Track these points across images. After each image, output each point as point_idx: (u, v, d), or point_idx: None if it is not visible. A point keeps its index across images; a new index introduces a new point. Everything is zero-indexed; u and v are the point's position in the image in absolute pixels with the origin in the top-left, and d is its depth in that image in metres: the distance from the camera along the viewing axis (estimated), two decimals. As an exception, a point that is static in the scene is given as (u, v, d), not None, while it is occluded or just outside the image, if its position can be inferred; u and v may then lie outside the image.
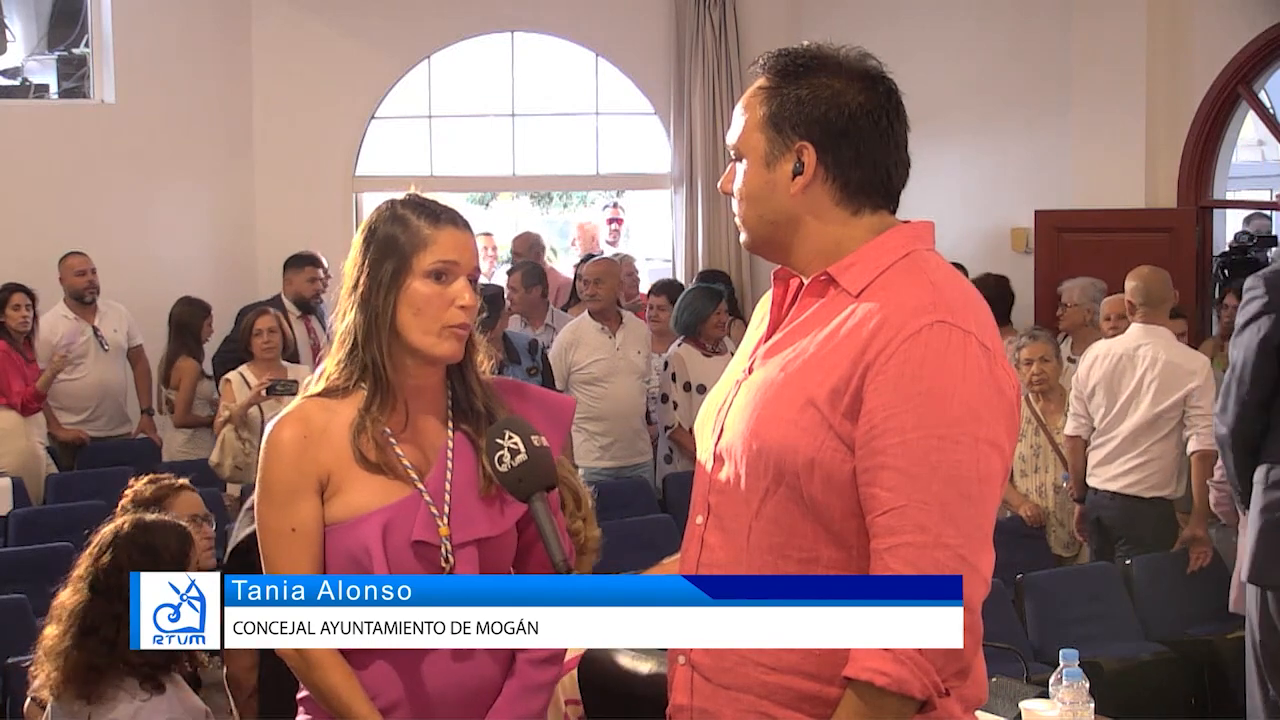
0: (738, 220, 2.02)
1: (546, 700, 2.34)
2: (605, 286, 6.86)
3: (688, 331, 6.75)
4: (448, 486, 2.22)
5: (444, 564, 2.19)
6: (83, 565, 2.98)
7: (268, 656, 2.90)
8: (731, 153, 2.01)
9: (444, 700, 2.22)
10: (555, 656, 2.34)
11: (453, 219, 2.23)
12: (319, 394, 2.25)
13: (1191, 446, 5.48)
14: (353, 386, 2.22)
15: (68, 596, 2.97)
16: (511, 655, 2.31)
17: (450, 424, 2.27)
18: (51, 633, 2.96)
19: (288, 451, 2.20)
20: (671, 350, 6.81)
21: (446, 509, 2.20)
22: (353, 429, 2.19)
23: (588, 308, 6.96)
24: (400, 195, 2.28)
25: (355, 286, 2.21)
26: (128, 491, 3.48)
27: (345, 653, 2.19)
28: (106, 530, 3.02)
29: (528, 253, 8.70)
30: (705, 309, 6.70)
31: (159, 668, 2.92)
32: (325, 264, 7.82)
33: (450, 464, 2.24)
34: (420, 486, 2.20)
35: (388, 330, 2.19)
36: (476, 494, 2.22)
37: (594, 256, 8.32)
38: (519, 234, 9.28)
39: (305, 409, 2.23)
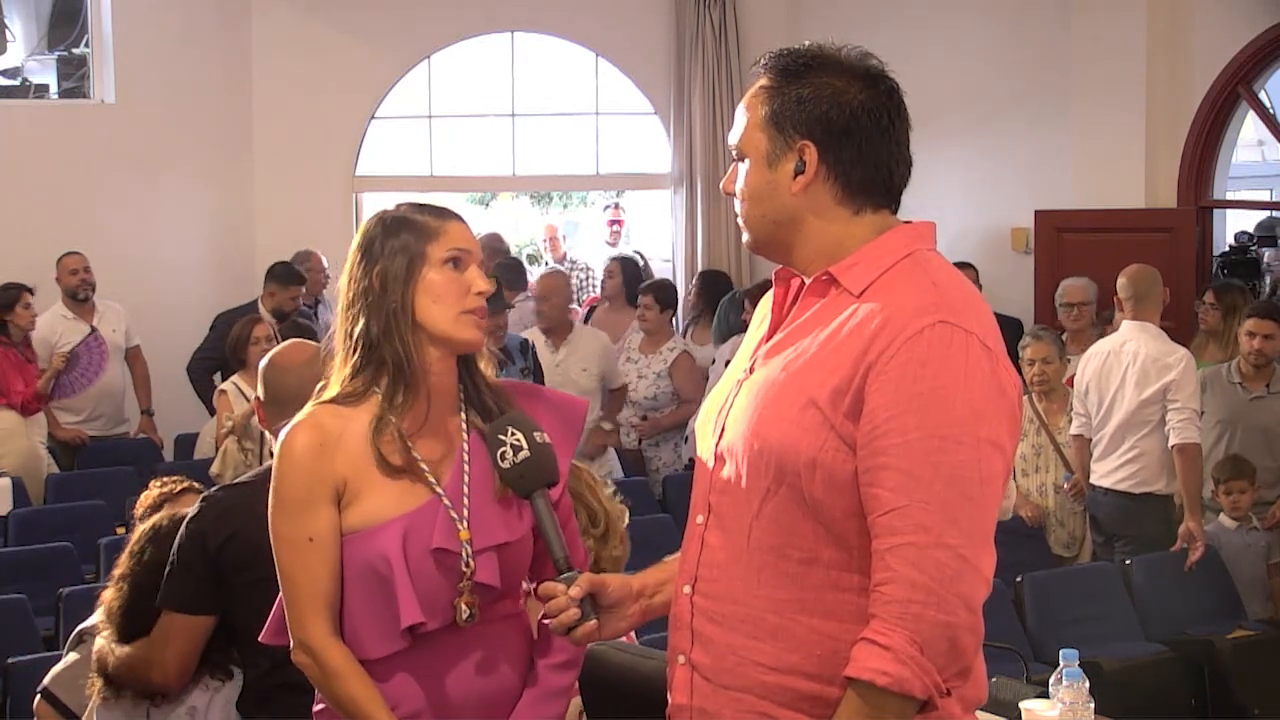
0: (740, 221, 2.01)
1: (566, 705, 2.34)
2: (550, 304, 6.91)
3: (727, 338, 6.94)
4: (465, 489, 2.20)
5: (464, 569, 2.17)
6: (123, 564, 2.98)
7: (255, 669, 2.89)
8: (734, 153, 2.01)
9: (464, 708, 2.21)
10: (573, 660, 2.33)
11: (455, 214, 2.26)
12: (330, 400, 2.22)
13: (1171, 440, 5.48)
14: (366, 393, 2.19)
15: (111, 597, 2.98)
16: (530, 660, 2.31)
17: (465, 424, 2.25)
18: (105, 634, 2.98)
19: (302, 459, 2.16)
20: (721, 355, 6.92)
21: (465, 513, 2.19)
22: (373, 426, 2.16)
23: (537, 325, 7.00)
24: (389, 208, 2.28)
25: (363, 293, 2.18)
26: (141, 500, 3.49)
27: (365, 665, 2.18)
28: (146, 527, 3.03)
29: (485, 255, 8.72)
30: (737, 315, 6.95)
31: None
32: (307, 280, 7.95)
33: (467, 466, 2.22)
34: (439, 491, 2.18)
35: (410, 323, 2.17)
36: (493, 496, 2.21)
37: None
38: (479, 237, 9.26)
39: (318, 415, 2.20)
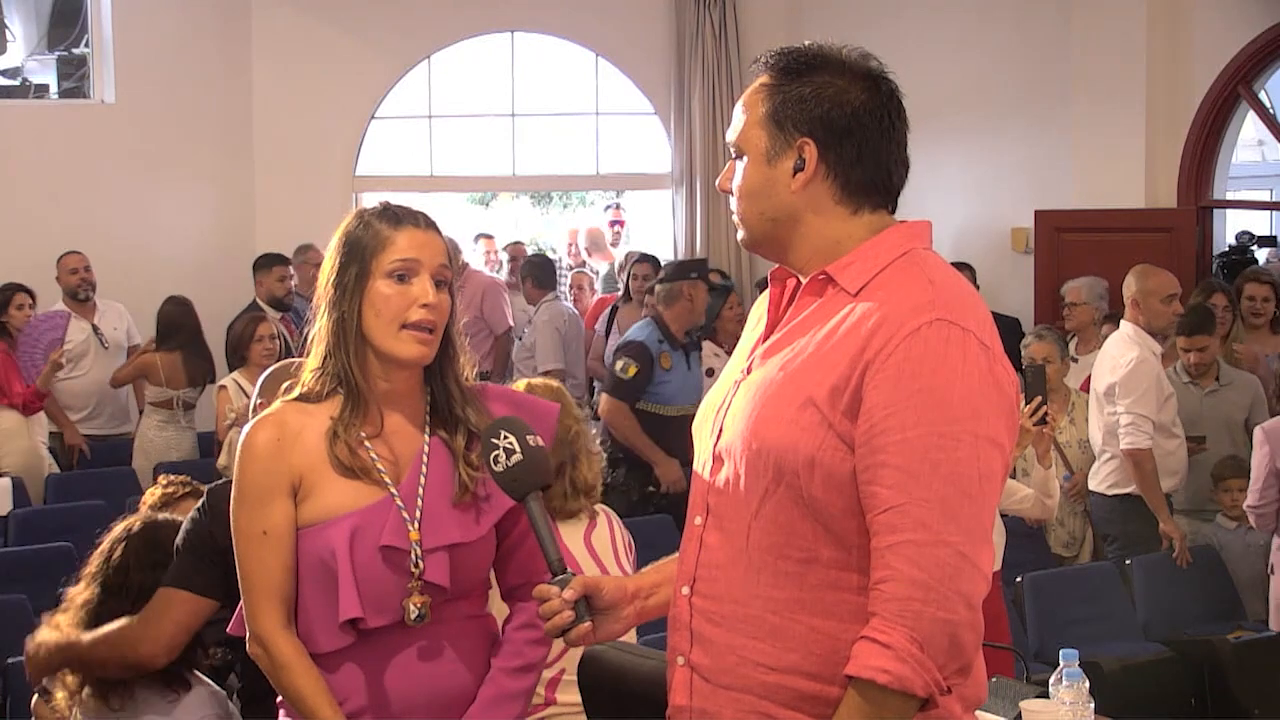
0: (736, 218, 2.01)
1: (522, 709, 2.33)
2: None
3: (703, 333, 6.80)
4: (420, 491, 2.22)
5: (413, 569, 2.18)
6: (94, 562, 2.99)
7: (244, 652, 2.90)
8: (732, 150, 2.01)
9: (414, 707, 2.22)
10: (530, 665, 2.33)
11: (414, 220, 2.25)
12: (296, 399, 2.26)
13: (1120, 445, 5.51)
14: (328, 392, 2.23)
15: (78, 591, 2.98)
16: (486, 663, 2.31)
17: (427, 429, 2.27)
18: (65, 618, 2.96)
19: (261, 454, 2.20)
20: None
21: (418, 514, 2.20)
22: (328, 435, 2.20)
23: None
24: (371, 205, 2.30)
25: (325, 296, 2.23)
26: (144, 500, 3.49)
27: (316, 658, 2.20)
28: (119, 528, 3.03)
29: None
30: (715, 306, 6.79)
31: (182, 664, 2.92)
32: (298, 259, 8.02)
33: (425, 468, 2.23)
34: (393, 490, 2.20)
35: (355, 335, 2.20)
36: (450, 499, 2.22)
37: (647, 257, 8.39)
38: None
39: (282, 412, 2.24)
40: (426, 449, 2.25)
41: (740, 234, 2.02)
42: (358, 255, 2.20)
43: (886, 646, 1.74)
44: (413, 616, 2.18)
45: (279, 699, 2.29)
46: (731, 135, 2.00)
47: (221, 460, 6.19)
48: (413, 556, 2.18)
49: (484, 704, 2.26)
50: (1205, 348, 5.95)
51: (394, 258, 2.19)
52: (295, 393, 2.26)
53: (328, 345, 2.22)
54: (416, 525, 2.19)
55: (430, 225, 2.25)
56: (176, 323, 7.46)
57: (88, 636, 2.88)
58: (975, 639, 1.79)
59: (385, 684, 2.21)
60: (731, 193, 2.01)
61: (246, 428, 2.25)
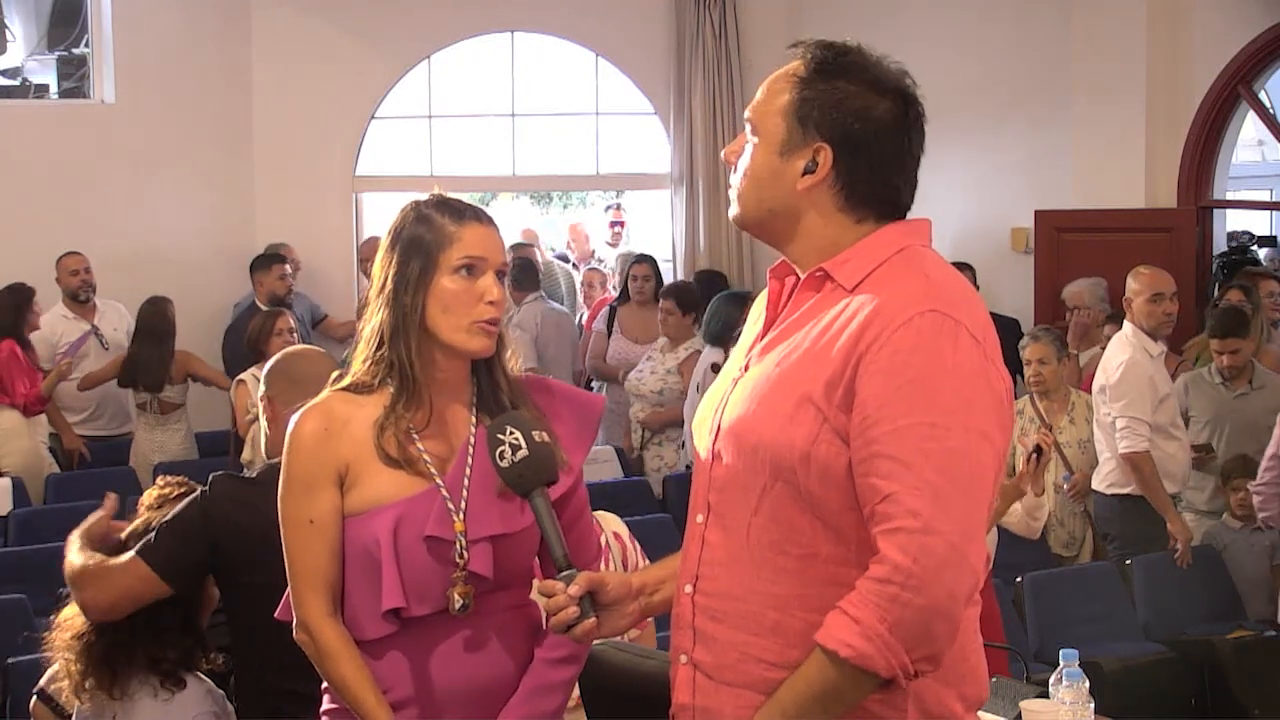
0: (733, 192, 2.01)
1: (563, 700, 2.34)
2: None
3: (717, 341, 6.71)
4: (466, 482, 2.23)
5: (458, 559, 2.19)
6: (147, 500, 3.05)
7: (243, 653, 2.90)
8: (747, 124, 2.00)
9: (457, 696, 2.23)
10: (573, 656, 2.34)
11: (477, 215, 2.26)
12: (345, 388, 2.27)
13: (1118, 449, 5.50)
14: (379, 384, 2.25)
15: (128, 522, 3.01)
16: (530, 653, 2.31)
17: (474, 419, 2.28)
18: (69, 614, 2.96)
19: (308, 443, 2.22)
20: (708, 356, 6.75)
21: (464, 504, 2.21)
22: (376, 426, 2.21)
23: None
24: (424, 196, 2.30)
25: (383, 288, 2.24)
26: (142, 500, 3.50)
27: (361, 645, 2.21)
28: (138, 523, 3.05)
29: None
30: (733, 315, 6.70)
31: (179, 663, 2.92)
32: (291, 259, 8.12)
33: (470, 459, 2.24)
34: (439, 481, 2.21)
35: (417, 328, 2.21)
36: (495, 490, 2.22)
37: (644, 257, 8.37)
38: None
39: (329, 402, 2.26)
40: (473, 440, 2.26)
41: (733, 210, 2.01)
42: (421, 250, 2.21)
43: (855, 621, 1.75)
44: (457, 606, 2.19)
45: (324, 685, 2.30)
46: (750, 110, 1.99)
47: (245, 454, 6.18)
48: (457, 547, 2.19)
49: (526, 694, 2.28)
50: (1238, 350, 5.92)
51: (462, 254, 2.21)
52: (344, 382, 2.28)
53: (383, 338, 2.23)
54: (462, 516, 2.20)
55: (490, 221, 2.28)
56: (147, 325, 7.47)
57: (71, 567, 2.89)
58: (949, 630, 1.77)
59: (429, 672, 2.22)
60: (734, 167, 2.00)
61: (295, 416, 2.26)
